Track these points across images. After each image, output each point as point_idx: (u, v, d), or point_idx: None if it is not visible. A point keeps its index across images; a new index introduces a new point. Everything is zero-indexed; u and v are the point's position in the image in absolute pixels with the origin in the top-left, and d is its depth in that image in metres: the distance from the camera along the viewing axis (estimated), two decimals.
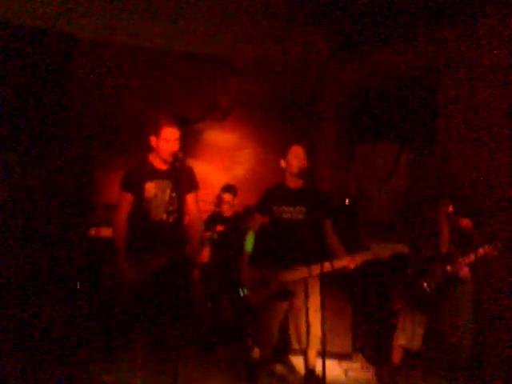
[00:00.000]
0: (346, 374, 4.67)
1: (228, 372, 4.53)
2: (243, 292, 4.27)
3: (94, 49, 6.17)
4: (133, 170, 4.14)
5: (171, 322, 3.94)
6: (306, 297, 4.08)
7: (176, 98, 6.51)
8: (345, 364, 4.84)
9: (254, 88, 6.91)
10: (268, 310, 4.28)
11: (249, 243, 4.40)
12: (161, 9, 5.73)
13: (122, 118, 6.30)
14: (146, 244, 4.02)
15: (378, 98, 6.34)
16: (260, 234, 4.42)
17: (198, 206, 4.22)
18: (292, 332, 4.83)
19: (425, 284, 4.38)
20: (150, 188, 4.05)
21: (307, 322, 4.06)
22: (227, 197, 5.78)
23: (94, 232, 5.48)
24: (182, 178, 3.99)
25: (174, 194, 4.01)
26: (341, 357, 4.89)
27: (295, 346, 4.91)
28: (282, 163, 4.38)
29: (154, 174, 4.08)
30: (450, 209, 4.61)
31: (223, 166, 6.80)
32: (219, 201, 5.82)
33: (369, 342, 5.12)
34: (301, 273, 4.14)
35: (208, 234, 5.48)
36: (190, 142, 6.15)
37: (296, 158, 4.32)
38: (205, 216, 5.47)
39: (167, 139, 4.02)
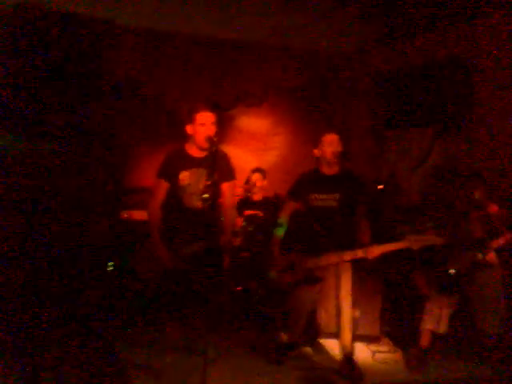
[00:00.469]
0: (373, 356, 4.74)
1: (257, 354, 4.61)
2: (272, 276, 4.36)
3: (129, 35, 6.22)
4: (169, 159, 4.26)
5: (202, 305, 4.05)
6: (338, 282, 4.18)
7: (210, 84, 6.56)
8: (373, 347, 4.88)
9: (287, 75, 6.93)
10: (298, 295, 4.36)
11: (280, 228, 4.47)
12: None
13: (159, 103, 6.38)
14: (181, 230, 4.16)
15: (412, 82, 6.32)
16: (292, 219, 4.48)
17: (232, 196, 4.35)
18: (322, 316, 4.96)
19: (452, 269, 4.45)
20: (185, 177, 4.17)
21: (338, 306, 4.15)
22: (256, 177, 5.84)
23: (126, 215, 5.60)
24: (218, 167, 4.05)
25: (209, 182, 4.05)
26: (369, 339, 4.93)
27: (325, 329, 5.06)
28: (316, 152, 4.44)
29: (190, 163, 4.19)
30: (480, 194, 4.65)
31: (255, 151, 6.85)
32: (249, 184, 5.89)
33: (397, 326, 5.20)
34: (331, 258, 4.22)
35: (241, 223, 5.57)
36: (223, 128, 6.24)
37: (330, 145, 4.37)
38: (236, 201, 5.54)
39: (203, 123, 4.12)
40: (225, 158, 4.27)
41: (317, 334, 5.05)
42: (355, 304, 4.13)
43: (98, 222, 5.53)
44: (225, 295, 5.02)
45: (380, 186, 6.04)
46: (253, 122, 6.93)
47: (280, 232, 4.47)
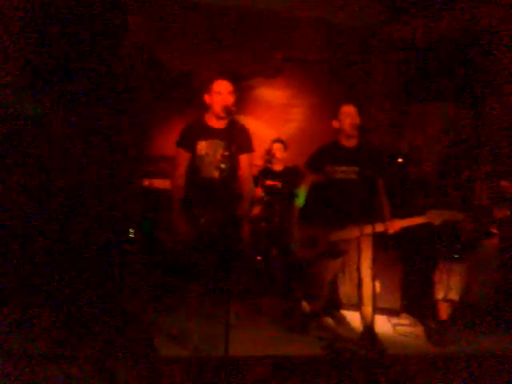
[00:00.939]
0: (394, 329, 4.75)
1: (278, 322, 4.65)
2: (294, 248, 4.36)
3: (149, 3, 6.16)
4: (188, 128, 4.21)
5: (223, 272, 4.06)
6: (359, 255, 4.17)
7: (228, 54, 6.50)
8: (394, 320, 4.91)
9: (307, 46, 6.86)
10: (318, 267, 4.37)
11: (299, 200, 4.46)
12: None
13: (180, 74, 6.34)
14: (199, 200, 4.13)
15: (432, 57, 6.24)
16: (311, 191, 4.46)
17: (250, 168, 4.30)
18: (343, 288, 4.97)
19: (455, 237, 4.42)
20: (202, 147, 4.13)
21: (360, 279, 4.14)
22: (277, 146, 5.81)
23: (148, 183, 5.61)
24: (236, 138, 4.07)
25: (226, 153, 4.07)
26: (390, 312, 4.97)
27: (346, 301, 5.07)
28: (335, 123, 4.40)
29: (208, 134, 4.14)
30: (489, 168, 4.60)
31: (274, 122, 6.79)
32: (269, 155, 5.86)
33: (416, 299, 5.21)
34: (352, 232, 4.21)
35: (260, 193, 5.57)
36: (241, 98, 6.19)
37: (348, 116, 4.33)
38: (255, 171, 5.54)
39: (220, 92, 4.07)
40: (243, 130, 4.24)
41: (338, 305, 5.08)
42: (376, 277, 4.12)
43: (121, 189, 5.54)
44: (245, 264, 5.05)
45: (400, 159, 6.00)
46: (272, 93, 6.87)
47: (300, 203, 4.45)
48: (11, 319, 4.15)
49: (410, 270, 5.21)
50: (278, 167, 5.82)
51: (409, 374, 3.86)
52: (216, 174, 4.12)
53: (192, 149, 4.14)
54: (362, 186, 4.31)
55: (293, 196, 4.56)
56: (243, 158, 4.22)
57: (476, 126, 4.86)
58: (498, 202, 4.49)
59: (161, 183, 5.47)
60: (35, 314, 4.24)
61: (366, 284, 4.15)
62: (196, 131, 4.17)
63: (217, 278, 4.18)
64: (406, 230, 4.23)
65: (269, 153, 5.83)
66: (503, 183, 4.59)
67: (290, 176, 5.65)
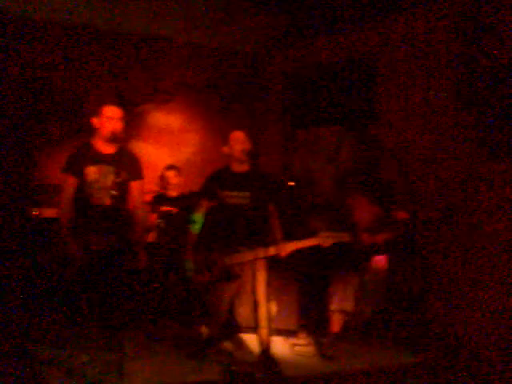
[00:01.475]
0: (292, 350, 4.82)
1: (176, 349, 4.59)
2: (190, 274, 4.36)
3: (29, 27, 6.02)
4: (75, 154, 4.17)
5: (118, 300, 4.03)
6: (254, 278, 4.23)
7: (118, 80, 6.44)
8: (291, 340, 4.99)
9: (198, 72, 6.93)
10: (216, 292, 4.37)
11: (195, 225, 4.47)
12: None
13: (66, 98, 6.20)
14: (90, 225, 4.07)
15: (318, 83, 6.48)
16: (206, 217, 4.50)
17: (142, 194, 4.34)
18: (241, 311, 5.00)
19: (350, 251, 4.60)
20: (91, 172, 4.09)
21: (256, 301, 4.20)
22: (171, 174, 5.81)
23: (37, 212, 5.44)
24: (126, 165, 4.10)
25: (117, 180, 4.07)
26: (287, 333, 5.04)
27: (244, 324, 5.11)
28: (225, 149, 4.45)
29: (97, 159, 4.11)
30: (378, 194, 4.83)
31: (168, 148, 6.76)
32: (163, 181, 5.85)
33: (312, 318, 5.33)
34: (246, 256, 4.25)
35: (156, 220, 5.53)
36: (134, 124, 6.14)
37: (238, 143, 4.39)
38: (150, 197, 5.52)
39: (110, 117, 4.07)
40: (132, 157, 4.27)
41: (236, 329, 5.10)
42: (271, 299, 4.18)
43: (9, 220, 5.33)
44: (141, 291, 4.98)
45: (291, 183, 6.16)
46: (165, 119, 6.84)
47: (195, 229, 4.46)
48: None
49: (306, 289, 5.34)
50: (172, 193, 5.80)
51: None
52: (108, 200, 4.08)
53: (80, 174, 4.08)
54: (254, 211, 4.37)
55: (188, 221, 4.57)
56: (134, 185, 4.22)
57: (363, 150, 5.07)
58: (384, 224, 4.69)
59: (51, 212, 5.30)
60: None
61: (261, 306, 4.20)
62: (84, 156, 4.12)
63: (111, 307, 4.11)
64: (298, 252, 4.32)
65: (163, 179, 5.82)
66: (394, 209, 4.82)
67: (185, 201, 5.65)
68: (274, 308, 4.28)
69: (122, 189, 4.16)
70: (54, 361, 4.05)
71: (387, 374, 4.35)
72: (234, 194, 4.37)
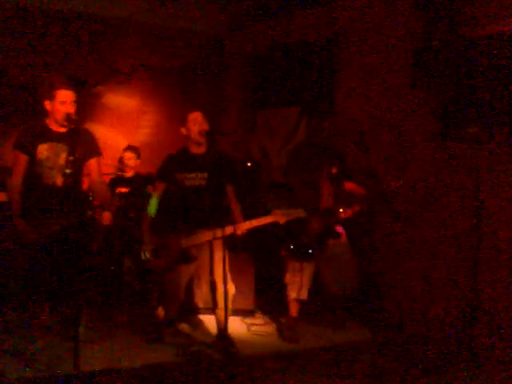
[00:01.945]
0: (249, 329, 4.88)
1: (133, 333, 4.58)
2: (145, 256, 4.34)
3: None
4: (27, 131, 4.12)
5: (72, 283, 3.98)
6: (211, 259, 4.24)
7: (73, 61, 6.33)
8: (248, 320, 5.04)
9: (157, 53, 6.85)
10: (172, 274, 4.35)
11: (151, 208, 4.42)
12: None
13: (22, 81, 6.07)
14: (42, 206, 4.04)
15: (279, 63, 6.47)
16: (163, 199, 4.47)
17: (100, 170, 4.31)
18: (199, 293, 5.02)
19: (303, 237, 4.62)
20: (43, 150, 4.05)
21: (213, 282, 4.21)
22: (128, 155, 5.76)
23: None
24: (81, 143, 4.03)
25: (71, 158, 4.00)
26: (244, 313, 5.09)
27: (201, 305, 5.13)
28: (183, 130, 4.41)
29: (49, 137, 4.07)
30: (334, 169, 4.86)
31: (125, 130, 6.70)
32: (121, 162, 5.80)
33: (269, 299, 5.39)
34: (203, 236, 4.25)
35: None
36: (90, 106, 6.06)
37: (195, 123, 4.35)
38: (107, 178, 5.49)
39: (62, 101, 4.02)
40: (88, 135, 4.23)
41: (195, 310, 5.12)
42: (229, 279, 4.19)
43: None
44: (95, 274, 4.94)
45: (248, 164, 6.16)
46: (123, 100, 6.77)
47: (151, 211, 4.43)
48: None
49: (262, 269, 5.39)
50: (129, 174, 5.76)
51: (262, 373, 3.98)
52: (60, 179, 4.05)
53: (31, 152, 4.02)
54: (211, 192, 4.35)
55: (145, 204, 4.54)
56: (92, 162, 4.21)
57: (322, 129, 5.08)
58: (343, 202, 4.73)
59: (4, 196, 5.19)
60: None
61: (219, 287, 4.20)
62: (35, 133, 4.08)
63: (64, 290, 4.08)
64: (254, 231, 4.34)
65: (121, 161, 5.77)
66: (348, 185, 4.85)
67: (142, 182, 5.62)
68: (232, 289, 4.29)
69: (77, 167, 4.11)
70: (7, 347, 3.99)
71: (343, 351, 4.42)
72: (192, 175, 4.35)
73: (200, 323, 4.99)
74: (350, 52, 5.72)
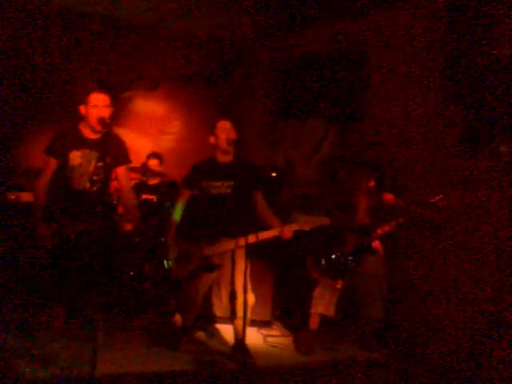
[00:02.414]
0: (265, 340, 4.85)
1: (150, 339, 4.58)
2: (167, 264, 4.34)
3: (23, 13, 5.99)
4: (60, 137, 4.16)
5: (92, 287, 4.00)
6: (233, 268, 4.22)
7: (105, 66, 6.41)
8: (264, 331, 5.01)
9: (184, 61, 6.90)
10: (194, 283, 4.34)
11: (176, 215, 4.44)
12: None
13: (52, 84, 6.15)
14: (67, 210, 4.07)
15: (308, 73, 6.46)
16: (188, 207, 4.48)
17: (128, 177, 4.37)
18: (217, 302, 5.00)
19: (338, 254, 4.60)
20: (76, 157, 4.09)
21: (233, 291, 4.19)
22: (153, 162, 5.81)
23: (14, 196, 5.39)
24: (111, 150, 4.08)
25: (99, 164, 4.07)
26: (260, 324, 5.06)
27: (219, 314, 5.11)
28: (211, 139, 4.41)
29: (82, 143, 4.12)
30: (372, 183, 4.82)
31: (151, 136, 6.76)
32: (145, 169, 5.84)
33: (287, 310, 5.35)
34: (227, 245, 4.25)
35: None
36: (118, 111, 6.09)
37: (224, 132, 4.35)
38: (131, 184, 5.52)
39: (96, 105, 4.06)
40: (119, 142, 4.25)
41: (212, 319, 5.10)
42: (249, 289, 4.18)
43: None
44: (116, 279, 4.96)
45: (273, 174, 6.15)
46: (150, 106, 6.84)
47: (176, 218, 4.45)
48: None
49: (282, 281, 5.35)
50: (153, 181, 5.80)
51: None
52: (88, 185, 4.09)
53: (63, 158, 4.06)
54: (236, 200, 4.34)
55: (168, 210, 4.56)
56: (121, 170, 4.24)
57: (353, 141, 5.04)
58: (382, 216, 4.67)
59: (29, 196, 5.25)
60: None
61: (239, 296, 4.19)
62: (69, 140, 4.12)
63: (85, 295, 4.08)
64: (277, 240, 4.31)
65: (144, 167, 5.80)
66: (387, 197, 4.78)
67: (166, 190, 5.64)
68: (252, 299, 4.27)
69: (105, 174, 4.15)
70: (25, 350, 4.00)
71: (357, 367, 4.38)
72: (218, 183, 4.36)
73: (217, 332, 4.97)
74: (380, 65, 5.69)
